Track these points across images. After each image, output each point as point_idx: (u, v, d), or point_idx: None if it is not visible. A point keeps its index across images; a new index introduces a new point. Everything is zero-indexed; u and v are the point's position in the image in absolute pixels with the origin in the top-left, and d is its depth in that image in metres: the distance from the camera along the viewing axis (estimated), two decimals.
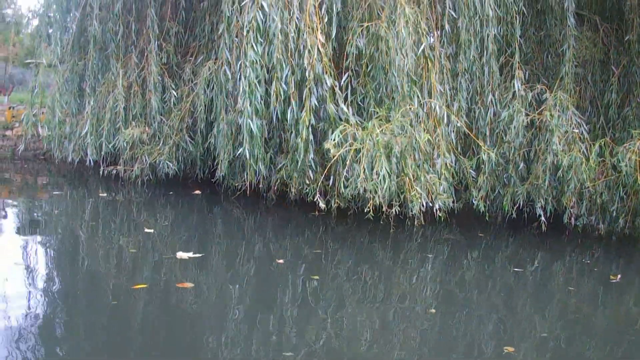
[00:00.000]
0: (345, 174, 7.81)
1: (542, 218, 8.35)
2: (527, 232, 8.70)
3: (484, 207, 8.52)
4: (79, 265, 6.76)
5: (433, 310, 5.87)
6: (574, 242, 8.46)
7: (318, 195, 7.98)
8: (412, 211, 7.78)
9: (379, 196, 7.54)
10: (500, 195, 8.78)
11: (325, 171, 8.07)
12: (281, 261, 6.99)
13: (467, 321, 5.81)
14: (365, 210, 7.65)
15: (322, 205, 7.96)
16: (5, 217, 8.39)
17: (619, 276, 7.00)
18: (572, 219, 8.50)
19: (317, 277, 6.56)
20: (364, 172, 7.56)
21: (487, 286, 7.02)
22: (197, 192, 9.63)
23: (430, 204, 7.93)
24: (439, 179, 8.06)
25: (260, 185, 8.82)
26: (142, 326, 5.21)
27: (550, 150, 8.43)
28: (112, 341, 4.87)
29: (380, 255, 7.80)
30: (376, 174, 7.52)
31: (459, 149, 8.71)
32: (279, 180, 8.77)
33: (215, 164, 9.02)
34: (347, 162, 7.75)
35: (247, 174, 8.48)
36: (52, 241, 7.58)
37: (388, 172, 7.60)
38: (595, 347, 5.36)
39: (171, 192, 9.45)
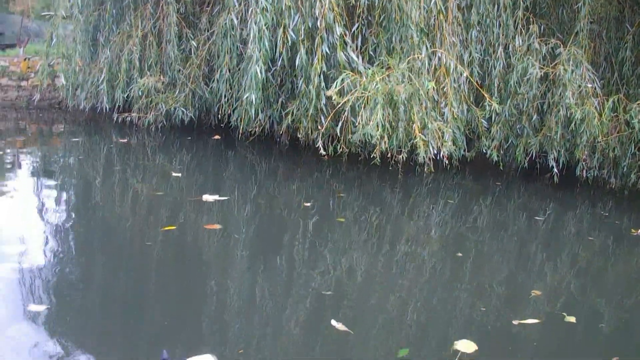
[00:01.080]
0: (352, 119, 7.92)
1: (555, 169, 8.35)
2: (540, 182, 8.71)
3: (497, 156, 8.55)
4: (107, 208, 6.86)
5: (460, 254, 5.96)
6: (586, 194, 8.47)
7: (321, 141, 8.03)
8: (422, 158, 7.82)
9: (384, 142, 7.64)
10: (513, 146, 8.77)
11: (329, 117, 8.12)
12: (308, 204, 7.18)
13: (483, 264, 5.95)
14: (372, 156, 7.78)
15: (323, 151, 8.02)
16: (28, 164, 8.43)
17: None
18: (585, 171, 8.51)
19: (342, 220, 6.72)
20: (366, 118, 7.61)
21: (501, 232, 7.08)
22: (217, 137, 9.71)
23: (437, 152, 7.99)
24: (447, 127, 8.09)
25: (274, 130, 8.88)
26: (174, 266, 5.35)
27: (563, 104, 8.41)
28: (149, 281, 5.05)
29: (388, 200, 7.88)
30: (374, 120, 7.55)
31: (472, 98, 8.70)
32: (290, 125, 8.83)
33: (227, 110, 9.08)
34: (348, 109, 7.83)
35: (245, 120, 8.62)
36: (77, 186, 7.65)
37: (390, 120, 7.68)
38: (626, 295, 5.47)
39: (189, 137, 9.53)
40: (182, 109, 9.28)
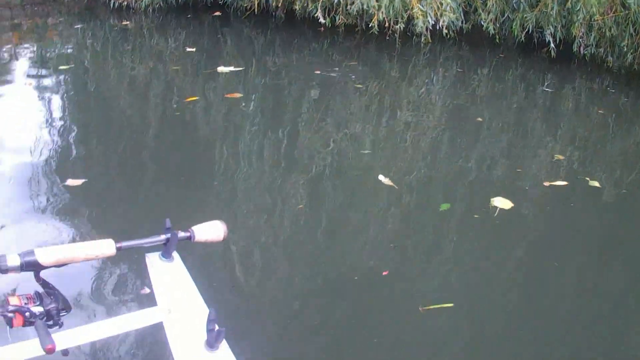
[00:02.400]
0: None
1: (552, 45, 8.33)
2: (536, 55, 8.69)
3: (494, 29, 8.53)
4: (129, 85, 7.02)
5: (480, 119, 6.28)
6: (584, 70, 8.47)
7: (320, 10, 8.10)
8: (420, 28, 7.96)
9: (382, 12, 7.73)
10: (509, 20, 8.69)
11: None
12: (318, 72, 7.42)
13: (504, 129, 6.29)
14: (370, 26, 7.91)
15: (322, 20, 8.16)
16: (36, 56, 8.21)
17: None
18: (581, 48, 8.50)
19: (360, 85, 7.05)
20: None
21: (515, 101, 7.31)
22: (217, 13, 9.64)
23: (435, 22, 8.06)
24: None
25: (269, 5, 8.89)
26: (204, 133, 5.67)
27: None
28: (181, 149, 5.33)
29: (387, 68, 8.01)
30: None
31: None
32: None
33: None
34: None
35: None
36: (93, 69, 7.59)
37: None
38: None
39: (189, 15, 9.51)
40: None
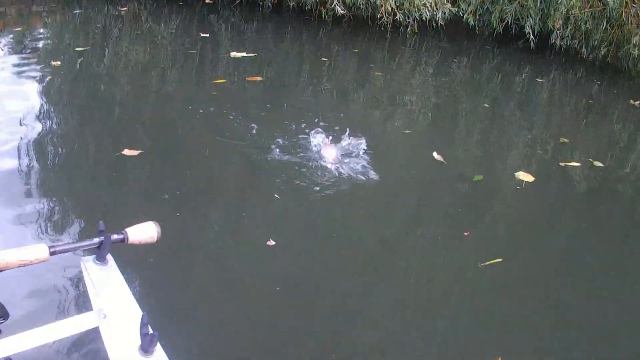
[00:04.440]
0: None
1: (531, 36, 8.70)
2: (514, 47, 9.14)
3: (473, 21, 8.94)
4: (155, 66, 7.08)
5: (487, 105, 6.83)
6: (559, 61, 8.95)
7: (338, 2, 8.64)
8: (409, 19, 8.66)
9: (389, 4, 8.48)
10: (488, 12, 9.12)
11: None
12: (325, 59, 7.86)
13: (512, 114, 6.88)
14: (378, 16, 8.65)
15: (341, 11, 8.69)
16: (35, 45, 7.94)
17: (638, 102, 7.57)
18: (558, 40, 8.88)
19: (380, 74, 7.55)
20: None
21: (511, 91, 7.81)
22: (209, 1, 9.85)
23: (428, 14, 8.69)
24: None
25: None
26: (239, 109, 5.75)
27: None
28: (224, 120, 5.47)
29: (379, 56, 8.45)
30: None
31: None
32: None
33: None
34: None
35: None
36: (113, 52, 7.49)
37: None
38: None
39: (181, 3, 9.64)
40: None
